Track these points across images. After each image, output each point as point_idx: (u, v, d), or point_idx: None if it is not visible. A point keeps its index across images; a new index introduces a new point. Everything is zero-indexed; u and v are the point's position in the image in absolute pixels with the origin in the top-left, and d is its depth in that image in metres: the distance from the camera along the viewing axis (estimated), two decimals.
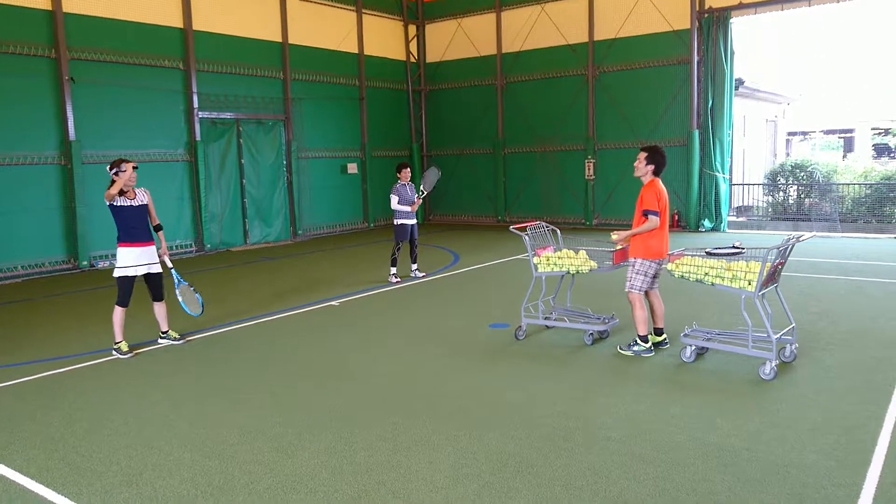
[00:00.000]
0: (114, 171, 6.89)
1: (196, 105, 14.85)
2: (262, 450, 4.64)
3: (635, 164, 6.59)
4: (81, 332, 8.23)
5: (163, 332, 7.47)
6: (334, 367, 6.56)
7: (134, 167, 6.98)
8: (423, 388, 5.83)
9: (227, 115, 15.61)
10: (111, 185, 6.84)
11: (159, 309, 7.37)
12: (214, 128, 15.41)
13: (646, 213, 6.37)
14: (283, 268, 12.92)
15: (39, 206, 12.59)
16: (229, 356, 7.01)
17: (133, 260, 6.98)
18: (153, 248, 7.16)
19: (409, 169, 10.95)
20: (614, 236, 6.71)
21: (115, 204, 6.92)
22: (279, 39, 16.77)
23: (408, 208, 10.71)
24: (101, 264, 13.16)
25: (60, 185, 12.82)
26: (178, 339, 7.50)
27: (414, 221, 10.89)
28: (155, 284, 7.24)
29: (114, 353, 7.02)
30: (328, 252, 14.91)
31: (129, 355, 6.98)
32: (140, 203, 7.06)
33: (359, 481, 4.14)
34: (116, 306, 6.99)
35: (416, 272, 11.18)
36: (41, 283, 11.82)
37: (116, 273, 7.01)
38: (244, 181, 16.04)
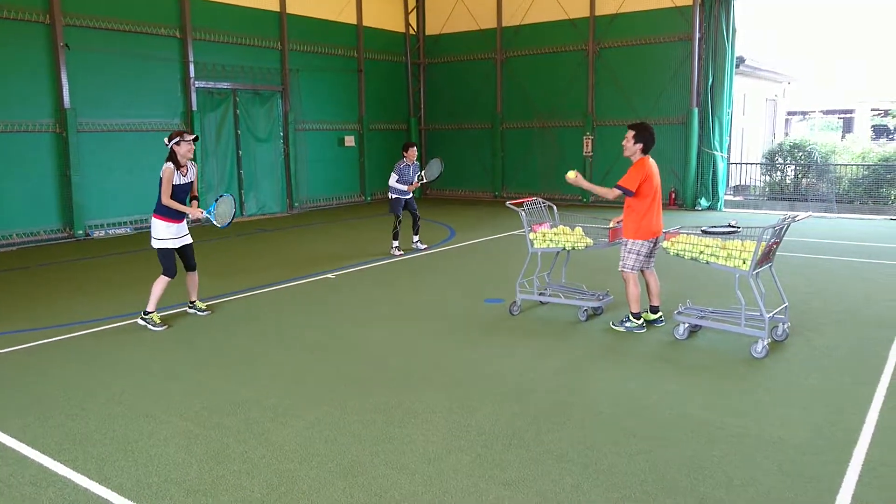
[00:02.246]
0: (175, 140, 6.87)
1: (192, 74, 14.71)
2: (256, 419, 4.68)
3: (623, 142, 6.50)
4: (77, 301, 8.24)
5: (190, 303, 7.48)
6: (329, 339, 6.59)
7: (195, 139, 6.98)
8: (418, 362, 5.87)
9: (224, 85, 15.48)
10: (169, 158, 6.85)
11: (192, 278, 7.36)
12: (211, 97, 15.29)
13: (618, 187, 6.39)
14: (279, 240, 12.91)
15: (34, 174, 12.52)
16: (225, 327, 7.03)
17: (172, 233, 7.00)
18: (185, 222, 7.17)
19: (415, 149, 10.89)
20: (571, 174, 6.61)
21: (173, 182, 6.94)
22: (277, 9, 16.55)
23: (404, 188, 10.70)
24: (97, 233, 13.12)
25: (55, 153, 12.74)
26: (205, 311, 7.47)
27: (410, 196, 10.90)
28: (189, 256, 7.26)
29: (140, 321, 6.97)
30: (324, 225, 14.89)
31: (163, 327, 6.93)
32: (189, 180, 7.10)
33: (353, 451, 4.18)
34: (162, 276, 6.97)
35: (419, 244, 11.23)
36: (36, 252, 11.79)
37: (156, 245, 7.01)
38: (240, 152, 15.96)
